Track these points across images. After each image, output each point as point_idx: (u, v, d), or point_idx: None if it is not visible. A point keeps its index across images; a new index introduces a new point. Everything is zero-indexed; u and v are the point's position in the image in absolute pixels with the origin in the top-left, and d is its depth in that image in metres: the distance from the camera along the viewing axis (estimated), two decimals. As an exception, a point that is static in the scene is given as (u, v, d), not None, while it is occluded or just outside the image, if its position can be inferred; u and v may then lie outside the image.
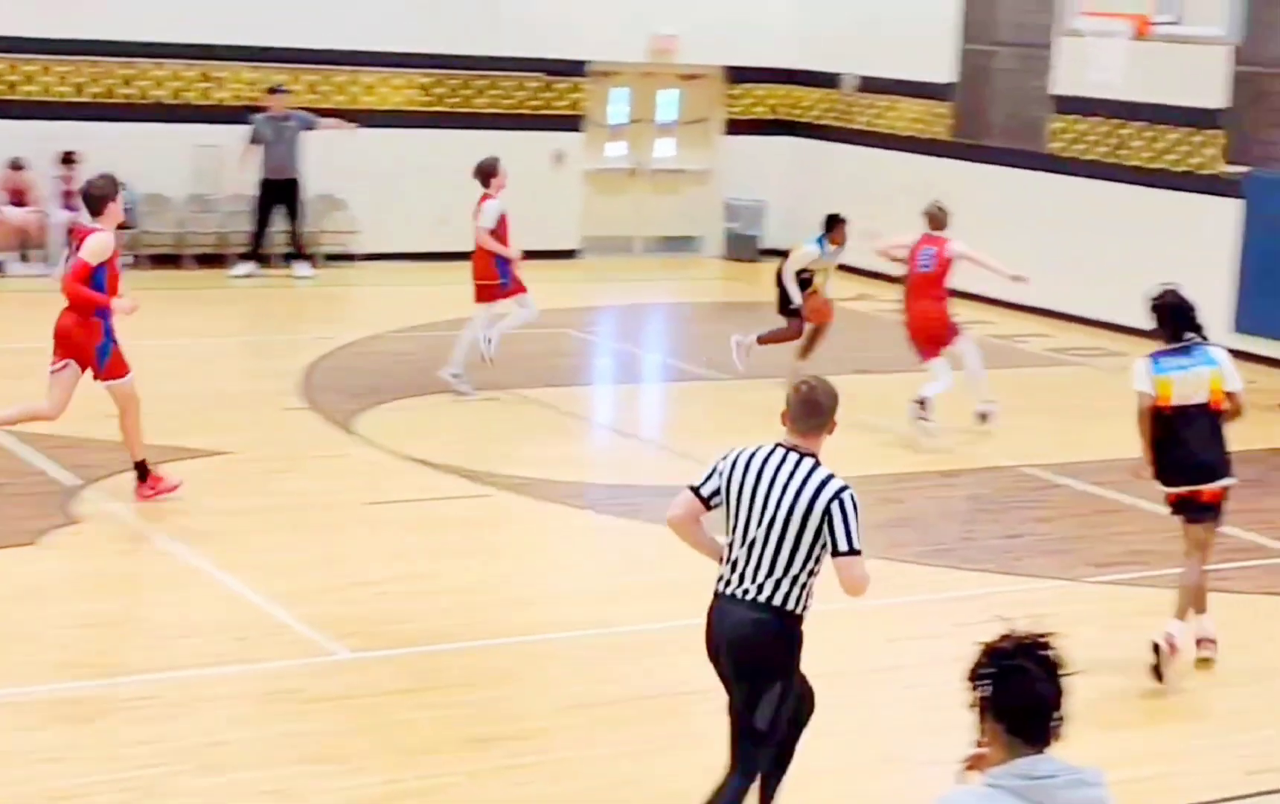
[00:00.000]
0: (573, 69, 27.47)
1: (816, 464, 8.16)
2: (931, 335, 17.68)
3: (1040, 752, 5.24)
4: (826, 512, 8.03)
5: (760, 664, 8.22)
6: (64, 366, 13.87)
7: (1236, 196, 21.94)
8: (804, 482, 8.06)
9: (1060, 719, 5.26)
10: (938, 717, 9.94)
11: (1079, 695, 5.33)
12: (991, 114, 25.99)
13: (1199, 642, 11.55)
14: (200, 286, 23.98)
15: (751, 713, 8.24)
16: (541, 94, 27.34)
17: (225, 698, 10.51)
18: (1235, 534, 14.47)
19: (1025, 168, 25.07)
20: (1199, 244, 21.64)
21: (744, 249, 28.23)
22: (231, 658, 11.07)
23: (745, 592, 8.18)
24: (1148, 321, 11.79)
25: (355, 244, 25.98)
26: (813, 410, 8.23)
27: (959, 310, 18.40)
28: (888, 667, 11.55)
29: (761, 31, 28.57)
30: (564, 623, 12.00)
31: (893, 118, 27.32)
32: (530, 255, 26.05)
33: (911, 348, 17.87)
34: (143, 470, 14.07)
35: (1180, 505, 11.61)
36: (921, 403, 17.38)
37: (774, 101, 29.17)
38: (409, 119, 26.46)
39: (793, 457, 8.13)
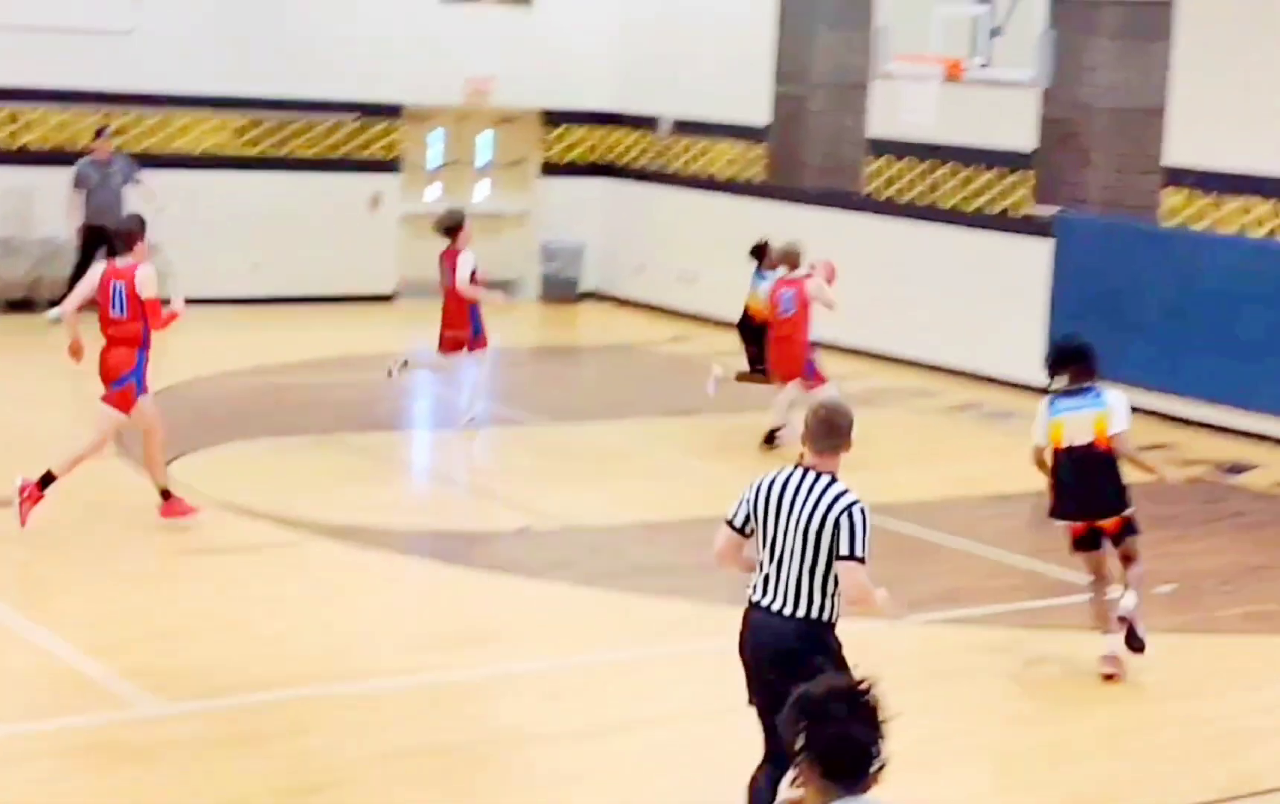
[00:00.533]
0: (389, 111, 27.34)
1: (833, 481, 8.79)
2: (792, 371, 18.36)
3: (858, 795, 5.23)
4: (836, 522, 8.66)
5: (800, 674, 8.13)
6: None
7: (1047, 236, 22.25)
8: (820, 496, 8.71)
9: (879, 763, 5.26)
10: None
11: (897, 736, 5.33)
12: (807, 156, 26.18)
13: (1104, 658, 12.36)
14: (10, 332, 23.56)
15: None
16: (357, 136, 27.18)
17: (33, 755, 10.27)
18: (1049, 572, 14.64)
19: (841, 209, 25.28)
20: (1012, 284, 21.93)
21: (562, 291, 28.23)
22: (40, 713, 10.83)
23: (781, 605, 8.83)
24: (1046, 369, 12.73)
25: (169, 289, 25.58)
26: (830, 431, 8.86)
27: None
28: (712, 710, 11.52)
29: (578, 74, 28.62)
30: (380, 671, 11.87)
31: (709, 160, 27.46)
32: (347, 300, 26.02)
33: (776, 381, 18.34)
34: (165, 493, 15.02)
35: (1081, 541, 12.55)
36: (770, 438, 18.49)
37: (591, 144, 29.21)
38: (222, 162, 26.19)
39: (811, 475, 8.78)
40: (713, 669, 12.19)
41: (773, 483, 8.84)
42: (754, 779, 9.06)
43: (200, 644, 12.17)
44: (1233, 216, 20.95)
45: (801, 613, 8.73)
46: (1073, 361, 12.38)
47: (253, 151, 26.45)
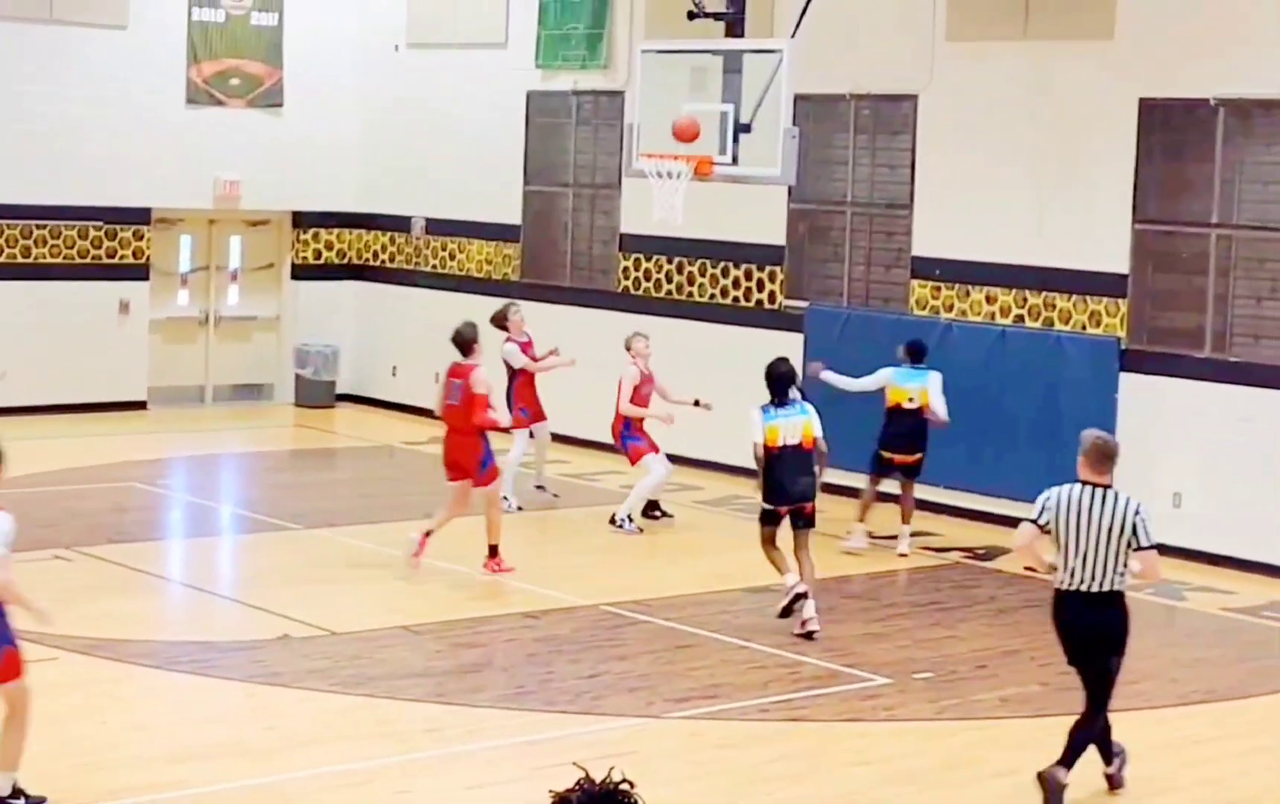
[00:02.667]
0: (138, 217, 26.99)
1: (1117, 492, 11.67)
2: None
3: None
4: (1133, 524, 11.58)
5: (1118, 636, 11.83)
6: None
7: (798, 330, 22.51)
8: (1114, 504, 11.62)
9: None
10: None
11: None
12: (560, 253, 26.28)
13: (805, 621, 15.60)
14: None
15: (1110, 668, 11.88)
16: (106, 242, 26.79)
17: None
18: (812, 663, 14.74)
19: (596, 307, 25.38)
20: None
21: (318, 395, 28.00)
22: None
23: (1092, 588, 11.63)
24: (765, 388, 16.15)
25: (-89, 401, 25.07)
26: (1108, 456, 11.86)
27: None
28: (471, 814, 11.44)
29: (327, 176, 28.51)
30: (136, 786, 11.62)
31: (462, 259, 27.45)
32: (96, 408, 25.59)
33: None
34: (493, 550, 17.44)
35: (778, 517, 16.01)
36: (622, 520, 19.90)
37: (342, 246, 29.08)
38: (-34, 271, 25.68)
39: (1099, 490, 11.68)
40: (473, 774, 12.12)
41: (1069, 498, 11.66)
42: (1076, 724, 11.91)
43: (-53, 768, 11.81)
44: (978, 305, 21.37)
45: (1106, 589, 11.61)
46: (784, 381, 16.23)
47: (-3, 260, 25.96)
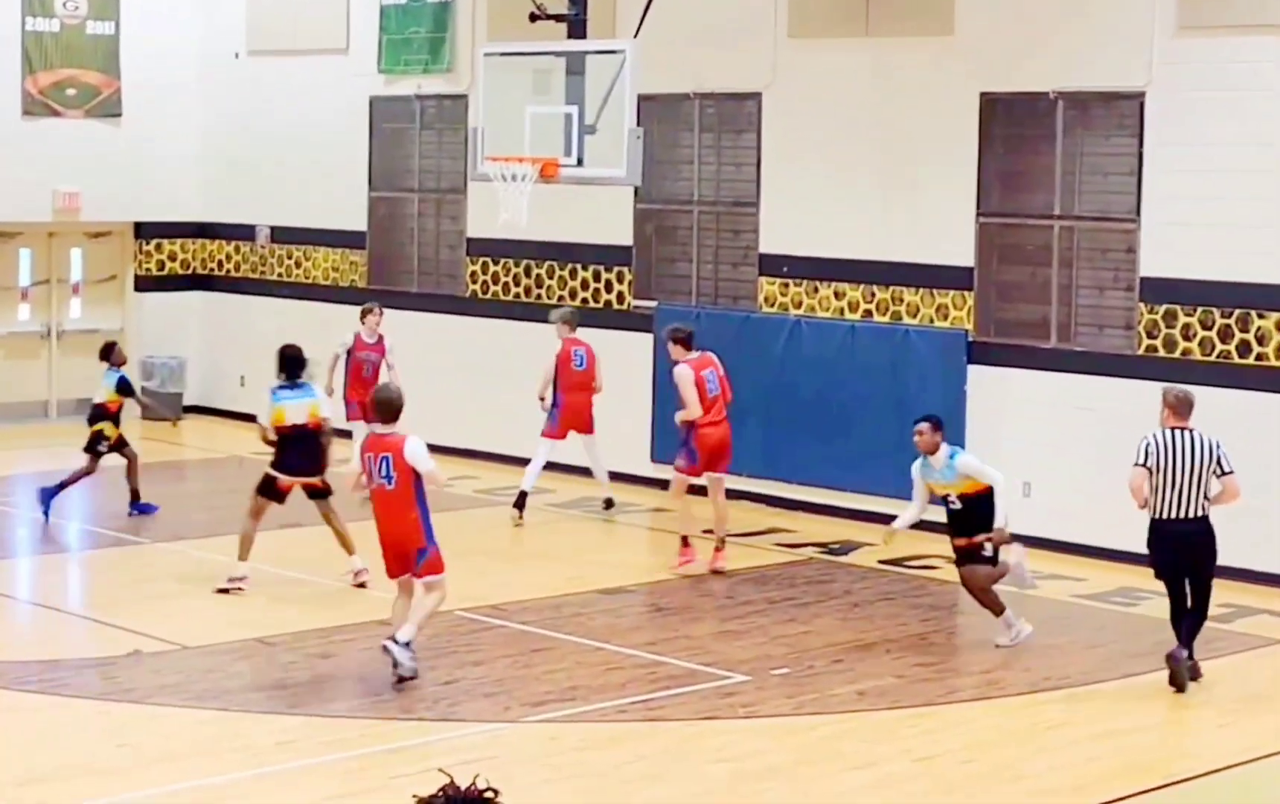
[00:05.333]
0: (-26, 231, 26.58)
1: (1199, 431, 14.22)
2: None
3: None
4: (1217, 456, 14.21)
5: (1211, 554, 14.38)
6: None
7: (648, 330, 22.51)
8: (1202, 443, 14.20)
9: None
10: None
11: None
12: (408, 259, 26.14)
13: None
14: None
15: (1210, 574, 14.46)
16: (-58, 258, 26.34)
17: None
18: (670, 662, 14.73)
19: (444, 312, 25.28)
20: (617, 377, 22.07)
21: (165, 406, 27.63)
22: None
23: (1187, 515, 14.20)
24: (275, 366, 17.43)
25: None
26: (1188, 403, 14.38)
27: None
28: (329, 826, 11.33)
29: (168, 185, 28.21)
30: (-14, 811, 11.42)
31: (308, 267, 27.24)
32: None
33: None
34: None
35: (278, 492, 17.36)
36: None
37: (186, 257, 28.77)
38: None
39: (1185, 433, 14.23)
40: (331, 784, 12.01)
41: (1163, 442, 14.19)
42: (1188, 625, 14.42)
43: None
44: (827, 301, 21.46)
45: (1200, 514, 14.21)
46: (293, 364, 17.35)
47: None
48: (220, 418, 27.86)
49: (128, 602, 16.95)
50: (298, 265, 27.45)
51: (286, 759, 12.46)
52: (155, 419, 25.97)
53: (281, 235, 27.65)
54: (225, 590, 17.05)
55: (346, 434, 20.94)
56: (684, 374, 18.49)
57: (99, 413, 20.96)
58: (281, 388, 17.28)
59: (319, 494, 17.44)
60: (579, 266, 23.85)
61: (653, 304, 22.93)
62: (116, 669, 14.67)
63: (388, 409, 14.40)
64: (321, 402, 17.42)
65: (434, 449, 24.06)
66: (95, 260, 28.35)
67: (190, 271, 28.78)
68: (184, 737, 13.04)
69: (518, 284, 24.54)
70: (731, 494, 20.84)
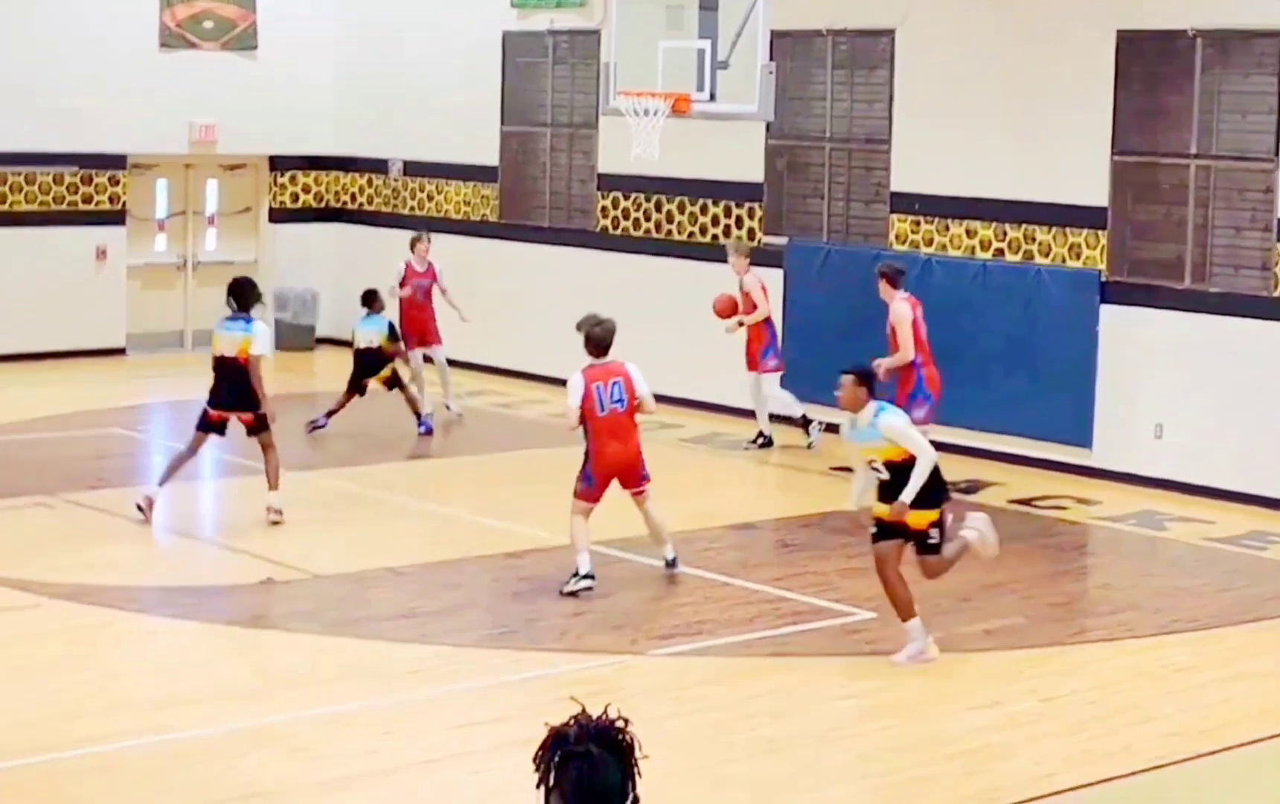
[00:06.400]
0: (113, 162, 26.89)
1: None
2: None
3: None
4: None
5: None
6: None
7: (778, 266, 22.48)
8: None
9: (629, 801, 5.23)
10: (509, 800, 9.87)
11: (648, 771, 5.30)
12: (539, 194, 26.22)
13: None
14: None
15: None
16: (81, 189, 26.69)
17: None
18: (796, 598, 14.76)
19: (574, 246, 25.35)
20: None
21: (297, 338, 27.92)
22: None
23: None
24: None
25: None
26: None
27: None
28: (458, 753, 11.45)
29: (303, 119, 28.41)
30: (124, 732, 11.60)
31: (440, 201, 27.38)
32: (75, 355, 25.52)
33: None
34: None
35: (210, 423, 17.24)
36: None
37: (319, 189, 29.00)
38: (-59, 219, 25.59)
39: None
40: (459, 713, 12.14)
41: None
42: None
43: (-68, 716, 11.84)
44: (958, 240, 21.36)
45: None
46: (236, 294, 16.97)
47: (-28, 207, 25.86)
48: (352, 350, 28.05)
49: (260, 530, 17.16)
50: (429, 199, 27.59)
51: (417, 687, 12.60)
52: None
53: (414, 169, 27.79)
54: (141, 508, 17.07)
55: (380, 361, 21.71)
56: (903, 313, 17.66)
57: (377, 358, 21.67)
58: (226, 319, 17.10)
59: (254, 429, 17.27)
60: (709, 202, 23.83)
61: (783, 240, 22.90)
62: (249, 596, 14.87)
63: (602, 341, 15.31)
64: (255, 337, 16.92)
65: (559, 383, 24.27)
66: (230, 192, 28.63)
67: (324, 204, 29.01)
68: (316, 663, 13.22)
69: (648, 219, 24.56)
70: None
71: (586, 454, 15.11)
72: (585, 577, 14.92)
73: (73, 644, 13.68)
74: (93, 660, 13.36)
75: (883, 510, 13.20)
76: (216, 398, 17.17)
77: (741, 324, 21.20)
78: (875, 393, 13.32)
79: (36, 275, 25.97)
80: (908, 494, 13.00)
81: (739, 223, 23.51)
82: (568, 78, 25.71)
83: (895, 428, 13.13)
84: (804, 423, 21.20)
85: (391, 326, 21.97)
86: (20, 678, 12.76)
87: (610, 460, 15.04)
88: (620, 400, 15.01)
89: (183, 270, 28.19)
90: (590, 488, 15.12)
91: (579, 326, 15.38)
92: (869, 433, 13.17)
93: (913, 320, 17.71)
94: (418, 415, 21.82)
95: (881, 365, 17.13)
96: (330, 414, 21.51)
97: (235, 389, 16.99)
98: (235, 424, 17.24)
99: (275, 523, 17.09)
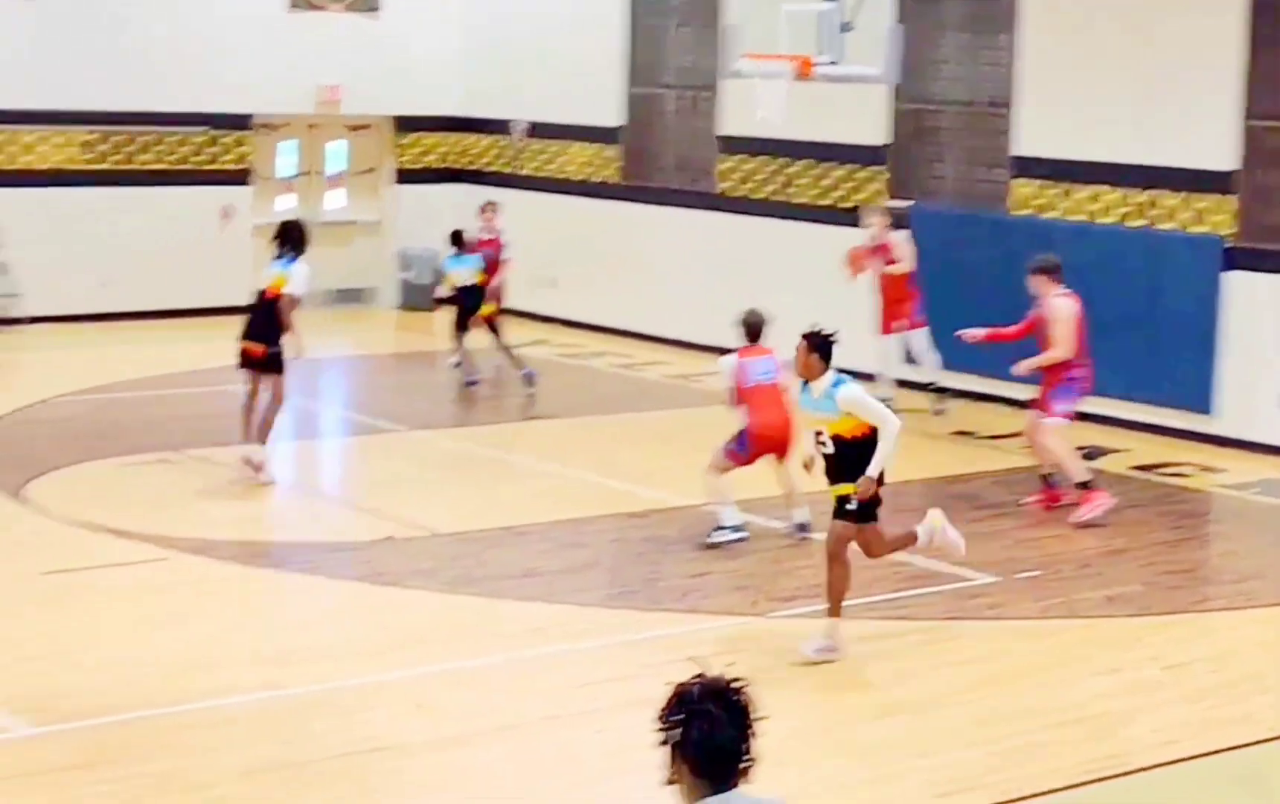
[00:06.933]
0: (239, 122, 27.14)
1: None
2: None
3: (727, 792, 5.26)
4: None
5: None
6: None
7: (902, 229, 22.38)
8: None
9: (749, 762, 5.28)
10: (631, 758, 9.94)
11: (767, 731, 5.35)
12: (660, 156, 26.25)
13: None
14: None
15: None
16: (207, 149, 26.96)
17: (-106, 784, 10.14)
18: (916, 562, 14.73)
19: (695, 208, 25.36)
20: (867, 278, 22.02)
21: (420, 298, 28.09)
22: (-100, 741, 10.68)
23: None
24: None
25: (16, 308, 25.34)
26: None
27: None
28: (580, 711, 11.53)
29: (428, 80, 28.55)
30: (246, 685, 11.76)
31: (563, 162, 27.45)
32: (201, 312, 25.79)
33: None
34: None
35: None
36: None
37: (444, 150, 29.14)
38: (71, 178, 25.89)
39: None
40: (581, 672, 12.21)
41: None
42: None
43: (65, 666, 12.04)
44: (1082, 205, 21.20)
45: None
46: (284, 235, 17.22)
47: (102, 167, 26.16)
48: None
49: (382, 487, 17.30)
50: (551, 161, 27.67)
51: (538, 645, 12.69)
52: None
53: (537, 130, 27.87)
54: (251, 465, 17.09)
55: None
56: (1066, 308, 16.71)
57: (475, 295, 21.99)
58: (273, 259, 17.44)
59: (264, 365, 17.18)
60: (832, 165, 23.77)
61: (908, 203, 22.81)
62: (371, 553, 15.01)
63: (754, 327, 15.76)
64: (291, 276, 17.13)
65: (680, 345, 24.38)
66: (355, 153, 28.82)
67: (448, 165, 29.15)
68: (437, 621, 13.33)
69: (770, 182, 24.53)
70: (983, 397, 20.84)
71: (744, 425, 15.33)
72: (735, 528, 15.16)
73: (199, 598, 13.87)
74: (218, 614, 13.54)
75: (847, 488, 12.40)
76: (244, 330, 17.35)
77: (884, 269, 21.06)
78: (831, 361, 12.54)
79: (164, 234, 26.24)
80: (874, 468, 12.26)
81: (861, 186, 23.43)
82: (691, 39, 25.69)
83: (855, 399, 12.34)
84: (935, 388, 21.12)
85: (482, 262, 22.30)
86: (148, 630, 12.95)
87: (766, 430, 15.28)
88: (768, 373, 15.38)
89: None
90: (741, 452, 15.36)
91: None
92: (823, 403, 12.45)
93: (1076, 318, 16.74)
94: (517, 364, 21.96)
95: (1027, 365, 16.72)
96: (468, 368, 21.86)
97: (261, 322, 17.15)
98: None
99: (256, 480, 16.94)
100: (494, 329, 22.00)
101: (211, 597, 13.96)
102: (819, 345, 12.55)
